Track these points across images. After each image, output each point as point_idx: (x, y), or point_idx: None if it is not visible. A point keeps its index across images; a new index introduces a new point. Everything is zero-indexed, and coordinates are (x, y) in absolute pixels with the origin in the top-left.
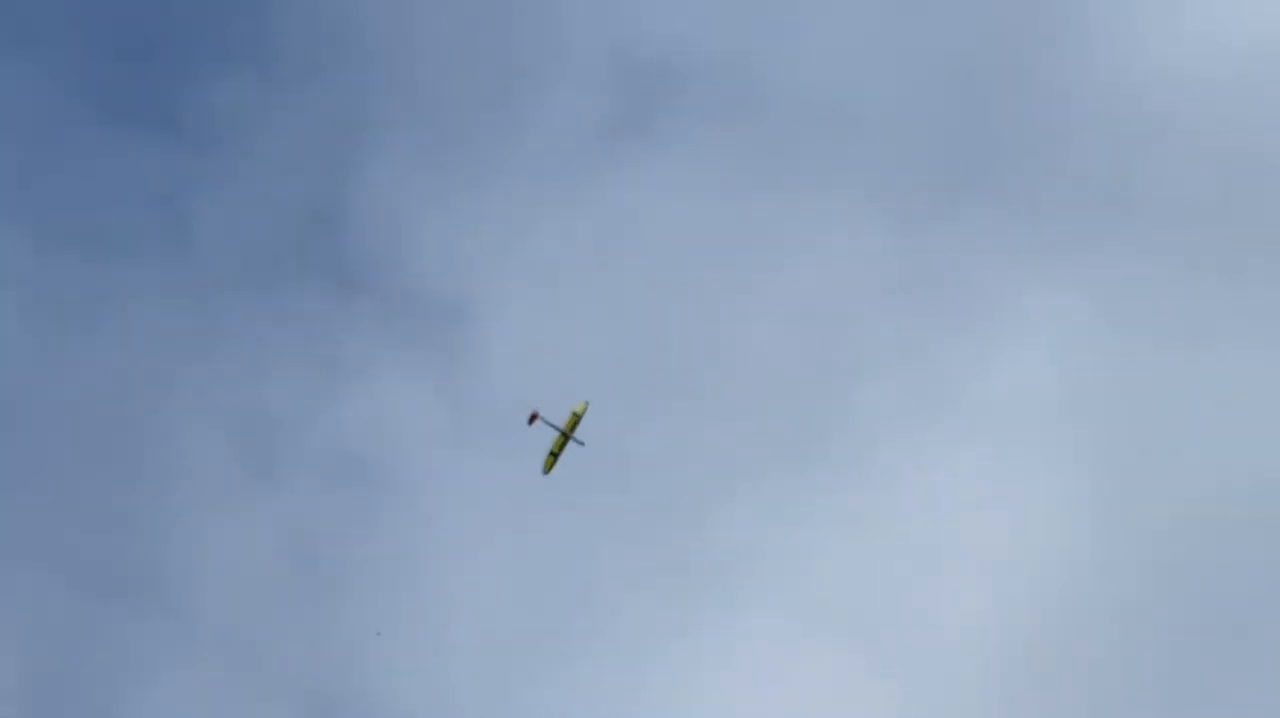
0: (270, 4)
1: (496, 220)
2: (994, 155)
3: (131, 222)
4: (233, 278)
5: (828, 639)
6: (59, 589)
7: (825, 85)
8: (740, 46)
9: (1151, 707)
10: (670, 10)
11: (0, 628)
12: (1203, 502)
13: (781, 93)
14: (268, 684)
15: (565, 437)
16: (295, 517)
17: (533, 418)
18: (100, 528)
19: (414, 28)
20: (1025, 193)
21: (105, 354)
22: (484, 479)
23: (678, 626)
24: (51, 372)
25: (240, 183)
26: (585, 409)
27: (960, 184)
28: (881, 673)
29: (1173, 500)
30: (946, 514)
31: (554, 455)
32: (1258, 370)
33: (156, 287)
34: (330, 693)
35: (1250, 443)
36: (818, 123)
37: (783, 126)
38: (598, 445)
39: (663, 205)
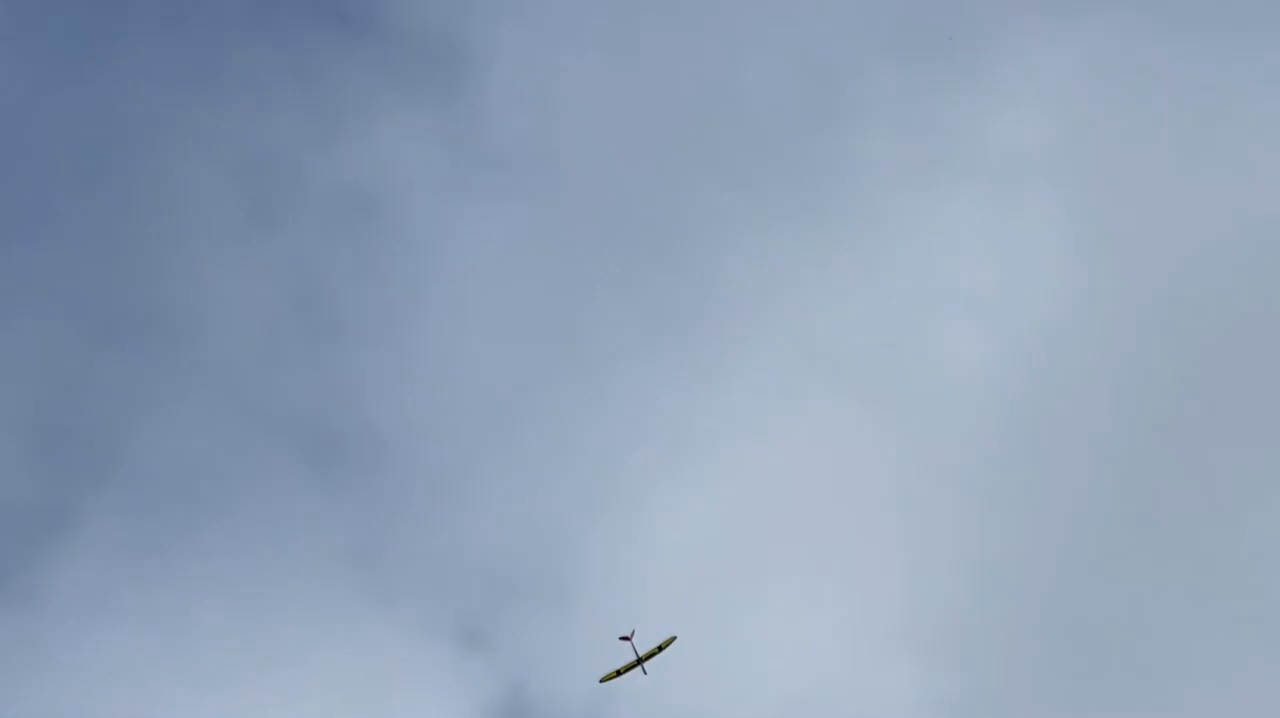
0: None
1: None
2: None
3: None
4: (234, 19)
5: (829, 382)
6: (67, 330)
7: None
8: None
9: (1142, 441)
10: None
11: (12, 368)
12: (1195, 250)
13: None
14: (271, 422)
15: (639, 661)
16: (298, 258)
17: (626, 638)
18: (106, 270)
19: None
20: None
21: (108, 98)
22: (486, 221)
23: (682, 369)
24: (56, 116)
25: None
26: (669, 644)
27: None
28: (881, 413)
29: (1165, 249)
30: (944, 261)
31: (618, 673)
32: (1251, 122)
33: (157, 28)
34: (332, 431)
35: (1241, 195)
36: None
37: None
38: (595, 194)
39: None
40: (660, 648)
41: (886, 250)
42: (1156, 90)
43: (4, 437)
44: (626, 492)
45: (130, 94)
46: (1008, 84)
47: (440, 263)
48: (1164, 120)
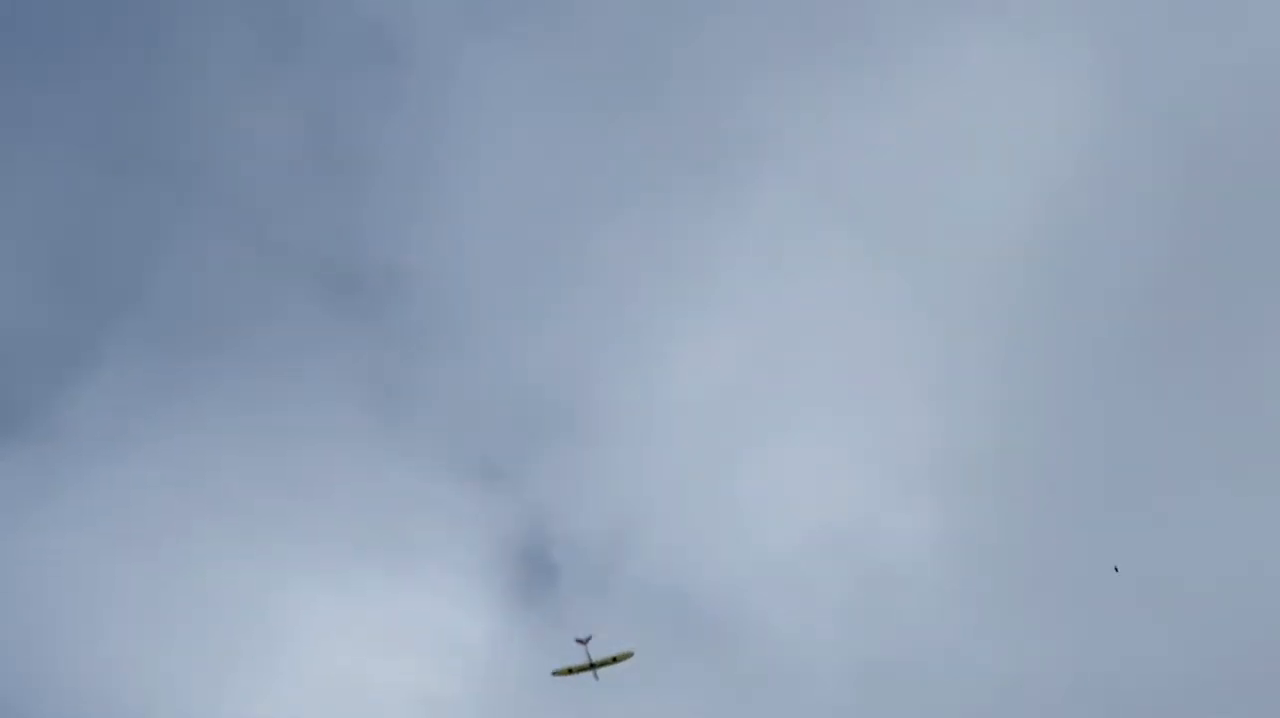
0: None
1: None
2: None
3: None
4: None
5: (848, 221)
6: (86, 165)
7: None
8: None
9: (1160, 281)
10: None
11: (32, 203)
12: (1217, 94)
13: None
14: (290, 258)
15: (591, 666)
16: (317, 96)
17: (582, 642)
18: (125, 105)
19: None
20: None
21: None
22: (504, 57)
23: (702, 207)
24: None
25: None
26: (626, 657)
27: None
28: (900, 251)
29: (1187, 93)
30: (961, 100)
31: (570, 671)
32: None
33: None
34: (352, 266)
35: (1268, 39)
36: None
37: None
38: (615, 31)
39: None
40: (615, 659)
41: (903, 87)
42: None
43: (25, 272)
44: (647, 329)
45: None
46: None
47: (458, 99)
48: None
